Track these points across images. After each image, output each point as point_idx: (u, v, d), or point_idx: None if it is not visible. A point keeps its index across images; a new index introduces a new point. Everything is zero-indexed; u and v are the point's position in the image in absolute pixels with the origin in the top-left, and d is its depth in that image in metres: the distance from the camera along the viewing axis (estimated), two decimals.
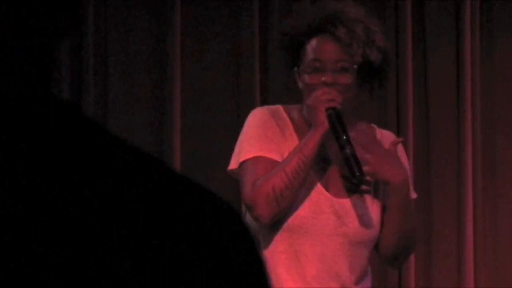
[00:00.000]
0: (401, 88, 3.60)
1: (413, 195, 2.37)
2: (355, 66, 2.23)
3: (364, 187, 2.28)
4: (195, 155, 3.54)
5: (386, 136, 2.39)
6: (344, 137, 2.23)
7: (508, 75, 3.72)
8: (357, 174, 2.21)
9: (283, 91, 2.75)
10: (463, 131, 3.63)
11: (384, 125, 2.81)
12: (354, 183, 2.27)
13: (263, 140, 2.33)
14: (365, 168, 2.23)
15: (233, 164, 2.34)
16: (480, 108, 3.70)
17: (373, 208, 2.31)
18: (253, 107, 2.77)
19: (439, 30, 3.68)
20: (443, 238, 3.74)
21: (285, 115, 2.35)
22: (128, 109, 3.57)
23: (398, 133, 3.21)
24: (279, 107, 2.37)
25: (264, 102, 3.28)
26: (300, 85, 2.30)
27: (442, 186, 3.71)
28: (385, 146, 2.34)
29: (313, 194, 2.27)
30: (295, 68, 2.31)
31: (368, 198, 2.32)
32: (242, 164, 2.31)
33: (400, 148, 2.39)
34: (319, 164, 2.30)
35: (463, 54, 3.66)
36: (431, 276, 3.69)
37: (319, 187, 2.28)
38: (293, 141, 2.30)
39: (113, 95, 3.54)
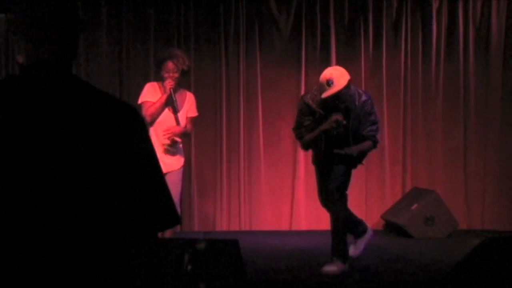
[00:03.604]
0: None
1: (195, 114, 5.69)
2: (180, 72, 5.46)
3: (178, 114, 5.51)
4: None
5: (189, 95, 5.65)
6: (174, 99, 5.40)
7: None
8: (176, 113, 5.48)
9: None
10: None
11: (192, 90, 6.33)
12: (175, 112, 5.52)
13: (148, 93, 5.50)
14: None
15: (139, 101, 5.45)
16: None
17: (182, 116, 5.55)
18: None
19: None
20: None
21: (157, 85, 5.51)
22: None
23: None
24: (155, 83, 5.57)
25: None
26: (163, 75, 5.45)
27: None
28: (190, 100, 5.59)
29: (167, 111, 5.51)
30: (161, 70, 5.59)
31: (180, 115, 5.53)
32: (142, 102, 5.49)
33: (194, 100, 5.74)
34: (170, 100, 5.50)
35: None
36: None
37: (168, 110, 5.53)
38: (159, 95, 5.47)
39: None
